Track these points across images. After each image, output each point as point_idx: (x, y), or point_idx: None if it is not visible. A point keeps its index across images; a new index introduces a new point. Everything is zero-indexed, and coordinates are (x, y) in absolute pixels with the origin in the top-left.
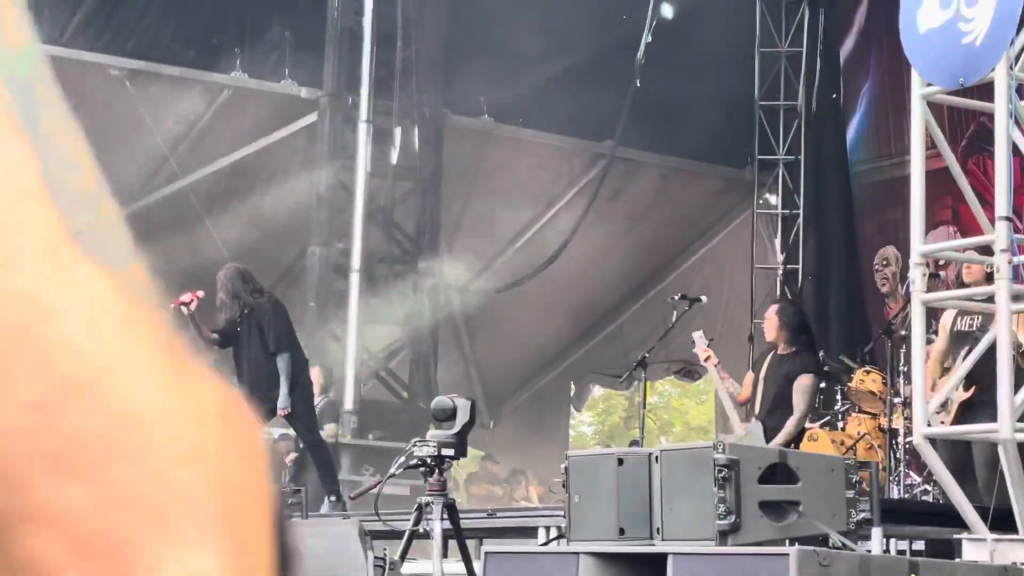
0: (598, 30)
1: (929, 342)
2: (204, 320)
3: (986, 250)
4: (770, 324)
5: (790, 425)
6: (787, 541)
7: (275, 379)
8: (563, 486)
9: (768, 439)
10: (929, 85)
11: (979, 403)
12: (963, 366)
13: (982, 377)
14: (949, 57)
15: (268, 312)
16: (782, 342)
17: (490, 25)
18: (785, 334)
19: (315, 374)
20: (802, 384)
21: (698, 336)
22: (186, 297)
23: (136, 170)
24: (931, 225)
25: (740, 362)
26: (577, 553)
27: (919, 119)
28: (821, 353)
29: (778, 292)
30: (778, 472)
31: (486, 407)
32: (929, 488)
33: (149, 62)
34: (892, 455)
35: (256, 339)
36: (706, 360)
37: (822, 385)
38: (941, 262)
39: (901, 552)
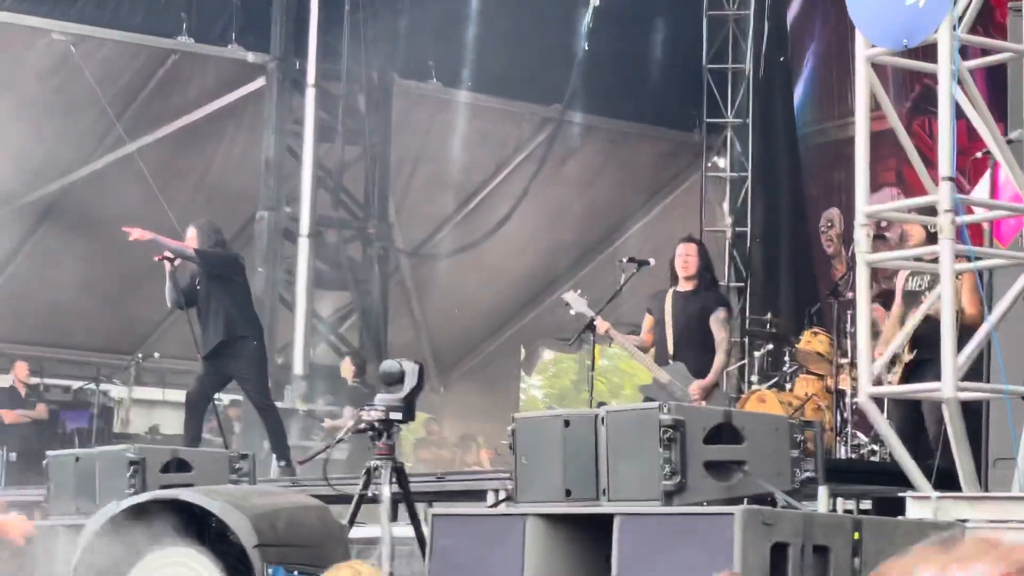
0: None
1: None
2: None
3: (930, 211)
4: (691, 260)
5: (722, 357)
6: (733, 501)
7: (238, 338)
8: (510, 448)
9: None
10: (873, 47)
11: (923, 362)
12: (907, 325)
13: (925, 338)
14: (893, 18)
15: (230, 264)
16: (693, 279)
17: None
18: (700, 271)
19: (347, 364)
20: (721, 317)
21: (572, 297)
22: (136, 231)
23: (83, 136)
24: (875, 187)
25: None
26: (524, 515)
27: (864, 81)
28: (769, 314)
29: (727, 255)
30: (723, 432)
31: (436, 372)
32: (876, 448)
33: (95, 27)
34: (839, 416)
35: (217, 292)
36: (607, 332)
37: (770, 347)
38: (883, 224)
39: (848, 511)
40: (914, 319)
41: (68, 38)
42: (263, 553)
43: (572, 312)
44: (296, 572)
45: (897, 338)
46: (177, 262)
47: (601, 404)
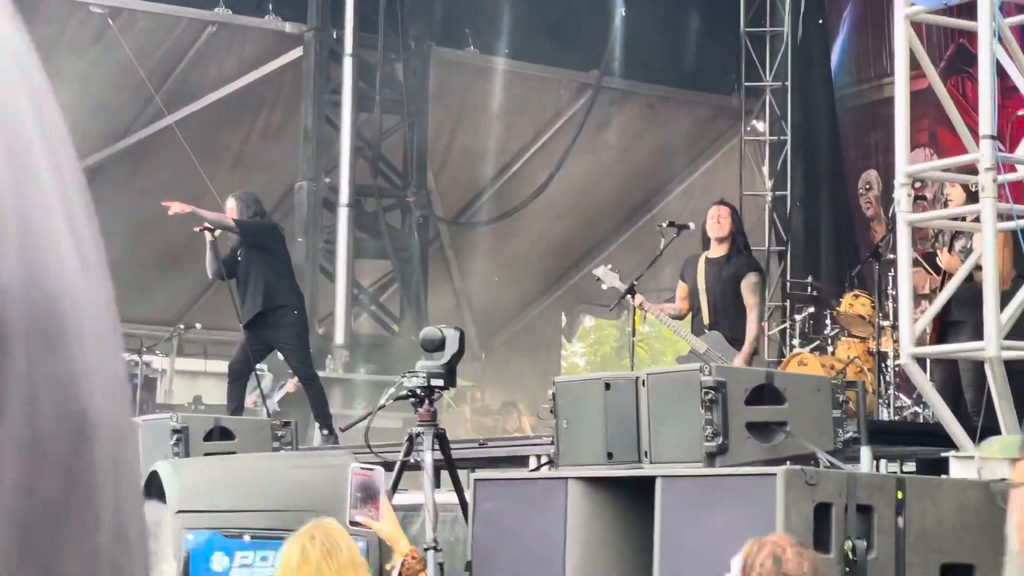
0: None
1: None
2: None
3: (970, 170)
4: (724, 222)
5: (753, 325)
6: (775, 462)
7: (278, 307)
8: (551, 412)
9: (731, 345)
10: (912, 4)
11: (957, 323)
12: (948, 286)
13: (955, 298)
14: None
15: (270, 234)
16: (724, 244)
17: None
18: (733, 235)
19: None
20: (752, 282)
21: (604, 271)
22: (175, 206)
23: (122, 108)
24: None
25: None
26: (566, 478)
27: (903, 39)
28: (810, 277)
29: (767, 219)
30: (765, 393)
31: (477, 339)
32: (919, 410)
33: None
34: (882, 378)
35: (257, 262)
36: (640, 305)
37: (811, 310)
38: (917, 184)
39: (892, 473)
40: (955, 280)
41: (105, 10)
42: (183, 519)
43: (604, 287)
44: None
45: (939, 298)
46: (218, 233)
47: None
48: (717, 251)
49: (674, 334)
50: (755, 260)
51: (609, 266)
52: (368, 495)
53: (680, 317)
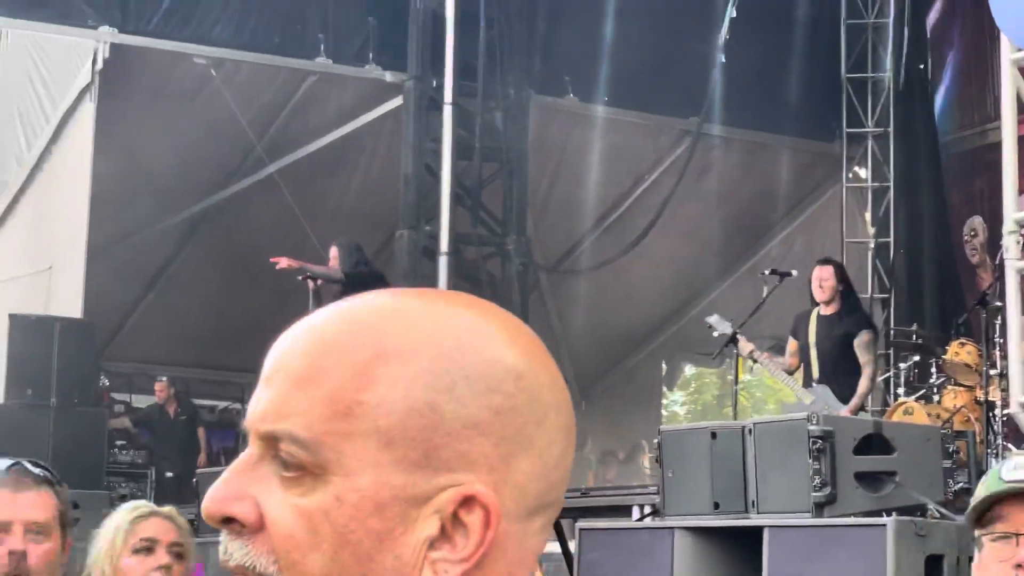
0: (682, 6)
1: None
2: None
3: None
4: (826, 284)
5: (866, 381)
6: (884, 512)
7: None
8: (656, 461)
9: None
10: (1020, 50)
11: None
12: None
13: None
14: None
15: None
16: (834, 301)
17: (573, 4)
18: (840, 293)
19: None
20: (865, 340)
21: (716, 320)
22: (283, 261)
23: (224, 158)
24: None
25: None
26: (672, 528)
27: (1009, 84)
28: (915, 325)
29: (870, 266)
30: (873, 442)
31: (578, 387)
32: None
33: (233, 49)
34: (990, 427)
35: None
36: (750, 354)
37: (916, 358)
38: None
39: None
40: None
41: (208, 62)
42: None
43: (715, 334)
44: None
45: None
46: (320, 282)
47: None
48: (828, 309)
49: (777, 382)
50: (867, 317)
51: (718, 316)
52: None
53: (790, 372)
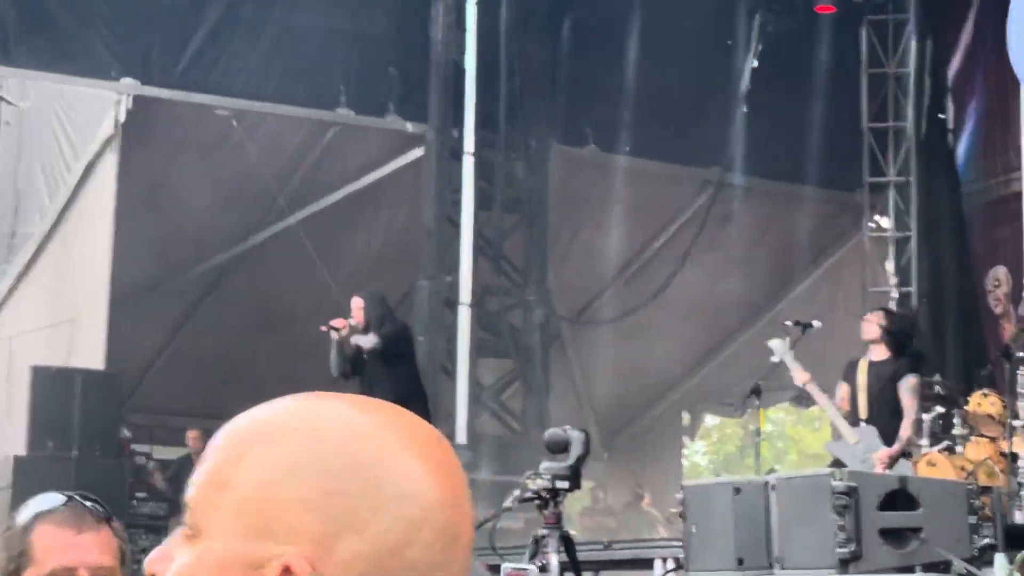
0: (703, 56)
1: None
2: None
3: None
4: (871, 326)
5: (908, 427)
6: (909, 569)
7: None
8: (680, 516)
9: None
10: None
11: None
12: None
13: None
14: None
15: (405, 340)
16: (882, 346)
17: (594, 54)
18: (888, 337)
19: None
20: (910, 384)
21: (778, 344)
22: (338, 322)
23: (247, 209)
24: None
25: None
26: None
27: None
28: (937, 376)
29: None
30: (898, 498)
31: (599, 438)
32: None
33: (256, 101)
34: (1014, 479)
35: (388, 365)
36: (805, 384)
37: (940, 410)
38: None
39: None
40: None
41: (231, 113)
42: None
43: (774, 359)
44: None
45: None
46: (344, 331)
47: (771, 471)
48: (878, 353)
49: (803, 431)
50: (916, 362)
51: (786, 339)
52: None
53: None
